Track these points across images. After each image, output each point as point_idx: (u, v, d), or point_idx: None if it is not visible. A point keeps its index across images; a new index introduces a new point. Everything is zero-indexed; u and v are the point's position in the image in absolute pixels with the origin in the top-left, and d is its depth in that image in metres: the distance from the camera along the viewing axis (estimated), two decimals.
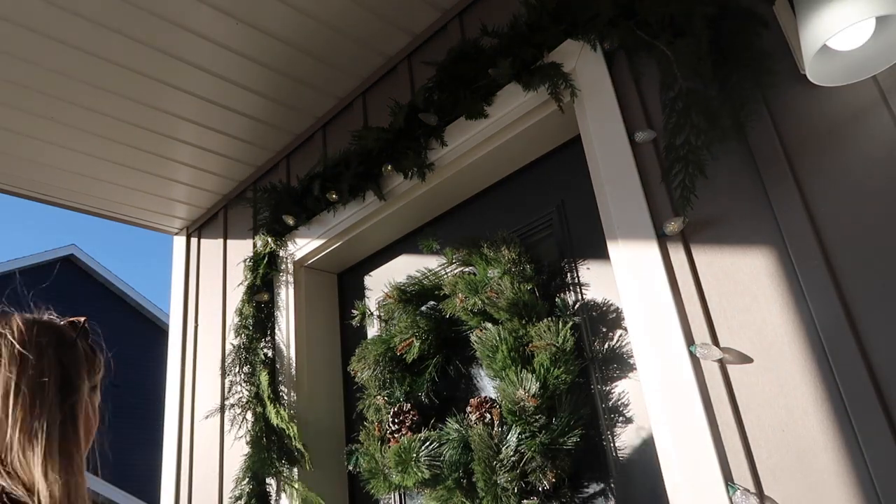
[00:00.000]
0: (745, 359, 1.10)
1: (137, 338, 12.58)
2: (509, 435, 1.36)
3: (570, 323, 1.39)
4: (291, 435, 1.83)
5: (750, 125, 1.17)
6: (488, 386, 1.62)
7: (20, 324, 0.90)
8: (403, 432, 1.58)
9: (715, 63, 1.20)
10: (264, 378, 1.96)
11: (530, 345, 1.40)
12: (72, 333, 0.96)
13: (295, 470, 1.85)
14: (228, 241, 2.52)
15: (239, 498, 1.86)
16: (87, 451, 0.94)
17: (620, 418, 1.36)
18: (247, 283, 2.16)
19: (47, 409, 0.82)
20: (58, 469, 0.79)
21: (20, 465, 0.79)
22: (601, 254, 1.47)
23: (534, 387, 1.33)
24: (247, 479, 1.88)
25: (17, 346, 0.86)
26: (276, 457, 1.86)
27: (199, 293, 2.60)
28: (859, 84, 1.07)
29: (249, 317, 2.11)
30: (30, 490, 0.78)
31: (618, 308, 1.43)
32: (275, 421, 1.87)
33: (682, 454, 1.11)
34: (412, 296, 1.76)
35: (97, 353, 1.01)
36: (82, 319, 1.00)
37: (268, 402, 1.91)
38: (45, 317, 0.96)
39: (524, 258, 1.53)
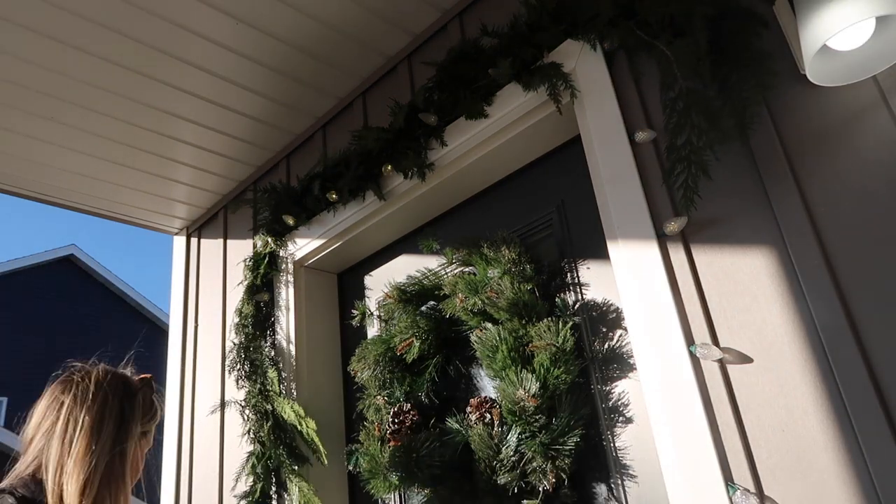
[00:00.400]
0: (745, 359, 1.10)
1: (137, 338, 12.57)
2: (509, 435, 1.36)
3: (570, 323, 1.39)
4: (305, 430, 1.81)
5: (751, 127, 1.17)
6: (488, 386, 1.62)
7: (98, 373, 1.12)
8: (403, 432, 1.58)
9: (715, 63, 1.20)
10: (272, 374, 1.96)
11: (530, 345, 1.40)
12: (137, 385, 1.17)
13: (302, 468, 1.84)
14: (228, 241, 2.52)
15: (249, 495, 1.86)
16: (133, 483, 1.16)
17: (620, 418, 1.36)
18: (247, 282, 2.16)
19: (102, 445, 1.02)
20: (94, 493, 0.98)
21: (65, 485, 0.98)
22: (601, 254, 1.47)
23: (534, 387, 1.33)
24: (253, 477, 1.88)
25: (91, 392, 1.07)
26: (287, 453, 1.85)
27: (199, 293, 2.60)
28: (859, 84, 1.07)
29: (249, 317, 2.11)
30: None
31: (618, 308, 1.43)
32: (288, 416, 1.86)
33: (682, 454, 1.11)
34: (412, 296, 1.76)
35: (155, 404, 1.22)
36: (148, 376, 1.22)
37: (276, 399, 1.91)
38: (121, 370, 1.18)
39: (524, 258, 1.53)
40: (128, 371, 1.21)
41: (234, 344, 2.10)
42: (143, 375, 1.22)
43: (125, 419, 1.09)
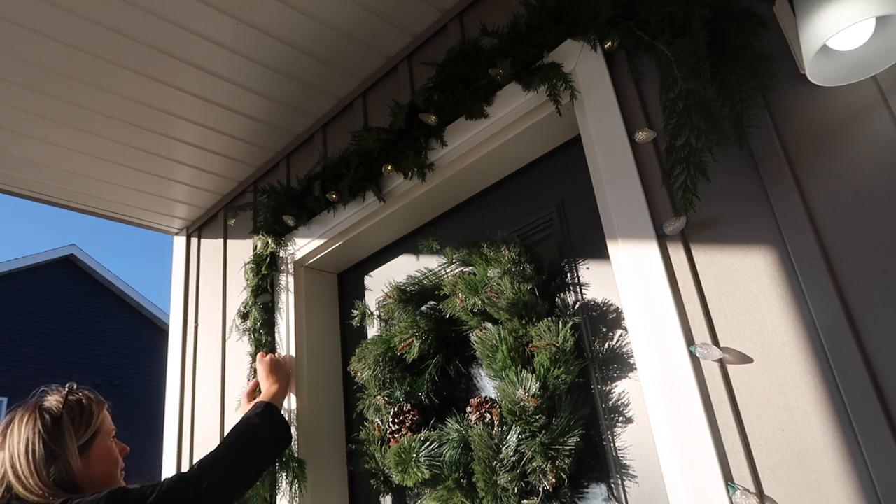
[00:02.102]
0: (745, 359, 1.10)
1: (137, 338, 12.58)
2: (509, 435, 1.36)
3: (570, 323, 1.39)
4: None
5: (750, 128, 1.17)
6: (488, 386, 1.62)
7: (17, 417, 1.26)
8: (403, 432, 1.58)
9: (715, 64, 1.20)
10: None
11: (530, 345, 1.39)
12: (58, 409, 1.26)
13: (293, 475, 1.84)
14: (228, 242, 2.52)
15: (248, 499, 1.86)
16: (107, 480, 1.30)
17: (620, 418, 1.36)
18: (247, 283, 2.16)
19: (42, 469, 1.20)
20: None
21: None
22: (601, 254, 1.46)
23: (534, 387, 1.33)
24: None
25: (18, 436, 1.23)
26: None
27: (199, 293, 2.60)
28: (859, 84, 1.07)
29: (249, 317, 2.11)
30: None
31: (618, 308, 1.43)
32: None
33: (682, 454, 1.11)
34: (412, 296, 1.76)
35: (85, 409, 1.29)
36: (65, 392, 1.30)
37: None
38: (39, 400, 1.29)
39: (524, 258, 1.53)
40: (52, 397, 1.29)
41: (233, 347, 2.09)
42: (63, 392, 1.29)
43: (53, 448, 1.22)
